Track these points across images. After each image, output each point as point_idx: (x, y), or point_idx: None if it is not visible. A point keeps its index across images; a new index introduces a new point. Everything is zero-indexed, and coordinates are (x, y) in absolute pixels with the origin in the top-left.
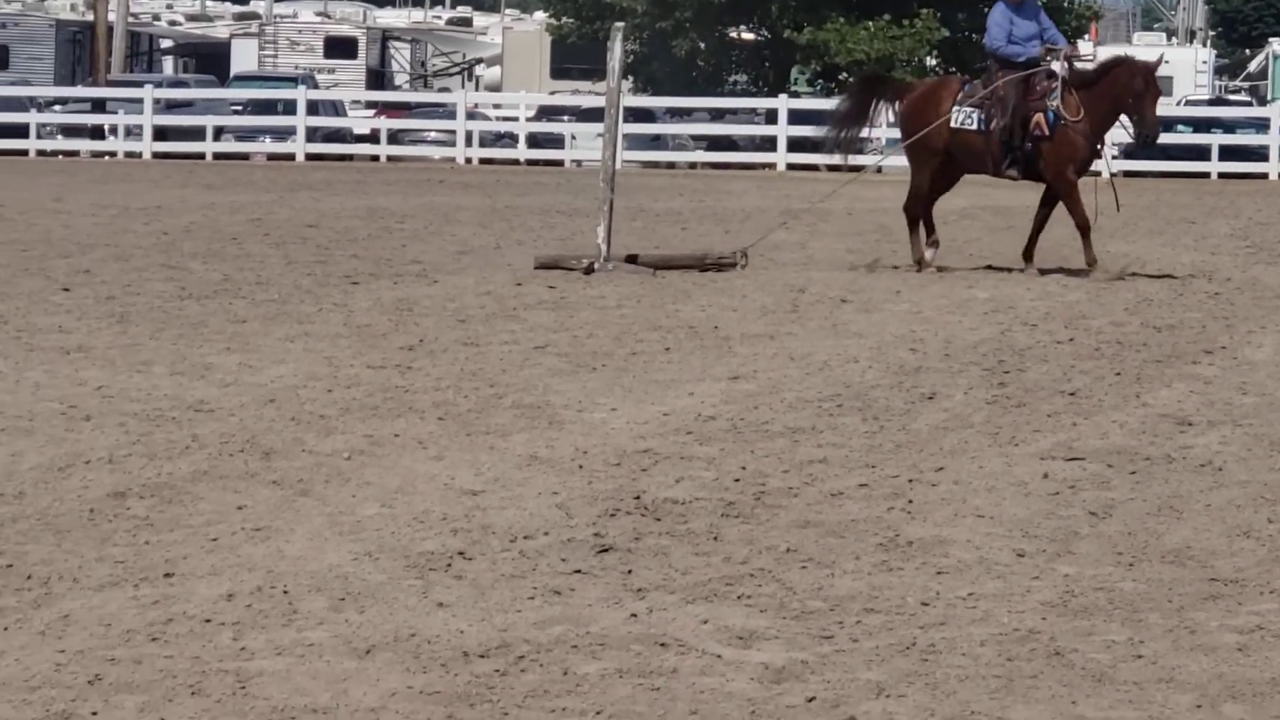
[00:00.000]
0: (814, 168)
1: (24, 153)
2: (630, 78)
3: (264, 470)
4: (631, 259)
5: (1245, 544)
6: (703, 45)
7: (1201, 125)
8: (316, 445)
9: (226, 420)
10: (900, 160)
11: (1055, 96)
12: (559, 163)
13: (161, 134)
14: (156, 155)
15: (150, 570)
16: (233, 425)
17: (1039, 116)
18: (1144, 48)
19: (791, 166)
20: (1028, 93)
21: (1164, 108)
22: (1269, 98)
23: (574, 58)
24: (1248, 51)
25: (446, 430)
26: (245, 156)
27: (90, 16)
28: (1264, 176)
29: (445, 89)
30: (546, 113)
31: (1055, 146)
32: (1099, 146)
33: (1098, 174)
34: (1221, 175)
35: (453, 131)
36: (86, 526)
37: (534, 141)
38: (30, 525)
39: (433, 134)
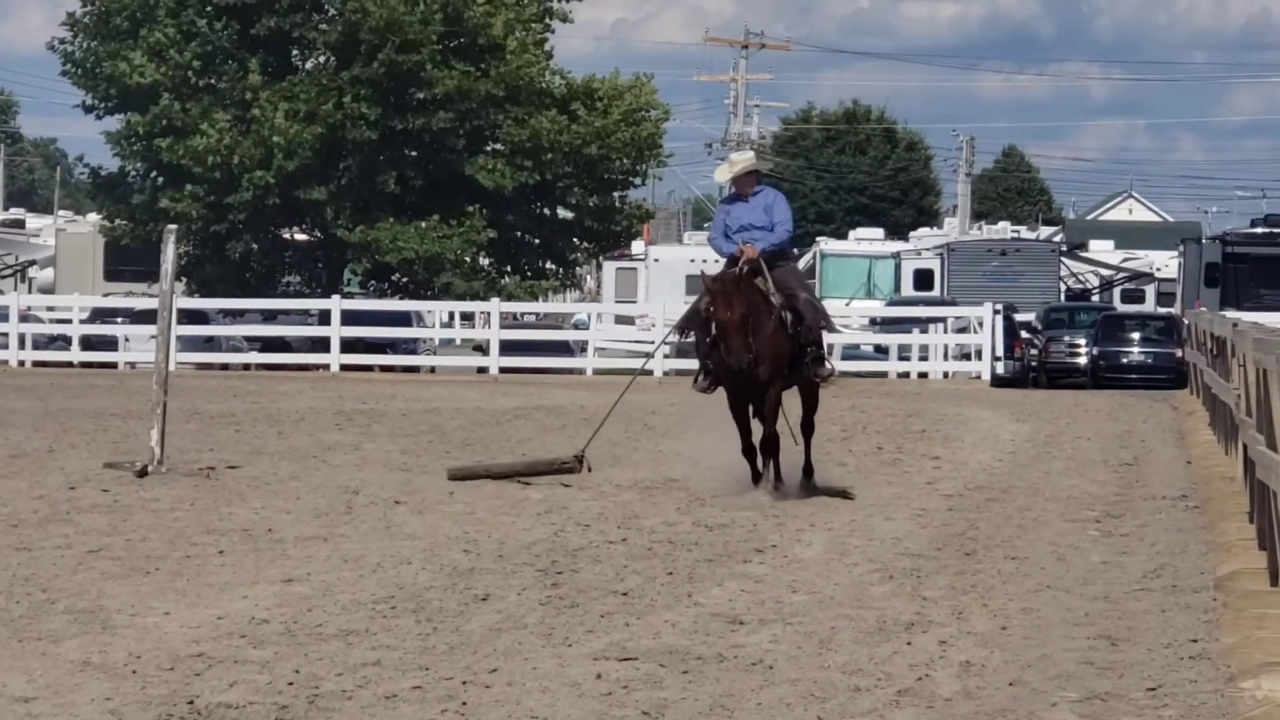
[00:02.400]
0: (368, 368)
1: None
2: (184, 279)
3: None
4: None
5: None
6: (256, 247)
7: None
8: None
9: None
10: (450, 359)
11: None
12: (113, 365)
13: None
14: None
15: None
16: None
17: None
18: (695, 246)
19: (345, 367)
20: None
21: None
22: (818, 295)
23: (128, 260)
24: (796, 250)
25: None
26: None
27: None
28: None
29: None
30: (100, 315)
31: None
32: (747, 362)
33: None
34: None
35: (5, 334)
36: None
37: (88, 344)
38: None
39: None
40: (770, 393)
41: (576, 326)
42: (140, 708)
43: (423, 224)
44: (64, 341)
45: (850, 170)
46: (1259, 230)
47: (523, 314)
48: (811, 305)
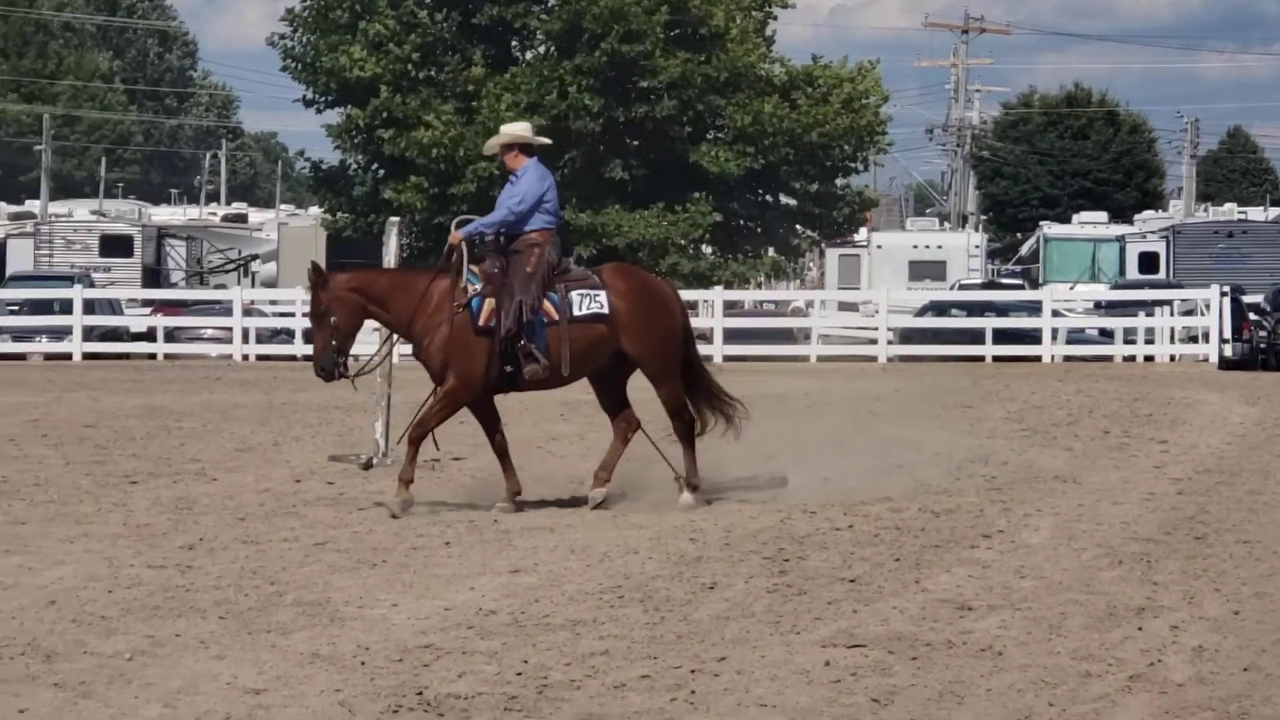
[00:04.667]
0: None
1: None
2: None
3: (45, 673)
4: None
5: None
6: None
7: (975, 309)
8: (98, 646)
9: (7, 623)
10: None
11: None
12: None
13: None
14: None
15: None
16: (13, 628)
17: None
18: (917, 232)
19: None
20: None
21: (937, 291)
22: (1041, 281)
23: (350, 252)
24: (1019, 235)
25: (228, 629)
26: (22, 357)
27: None
28: (1037, 359)
29: (221, 285)
30: None
31: None
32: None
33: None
34: (996, 359)
35: (229, 328)
36: None
37: (311, 337)
38: None
39: (209, 331)
40: (442, 389)
41: (794, 313)
42: (369, 699)
43: (646, 211)
44: (287, 335)
45: (1073, 154)
46: None
47: (760, 302)
48: (513, 297)
